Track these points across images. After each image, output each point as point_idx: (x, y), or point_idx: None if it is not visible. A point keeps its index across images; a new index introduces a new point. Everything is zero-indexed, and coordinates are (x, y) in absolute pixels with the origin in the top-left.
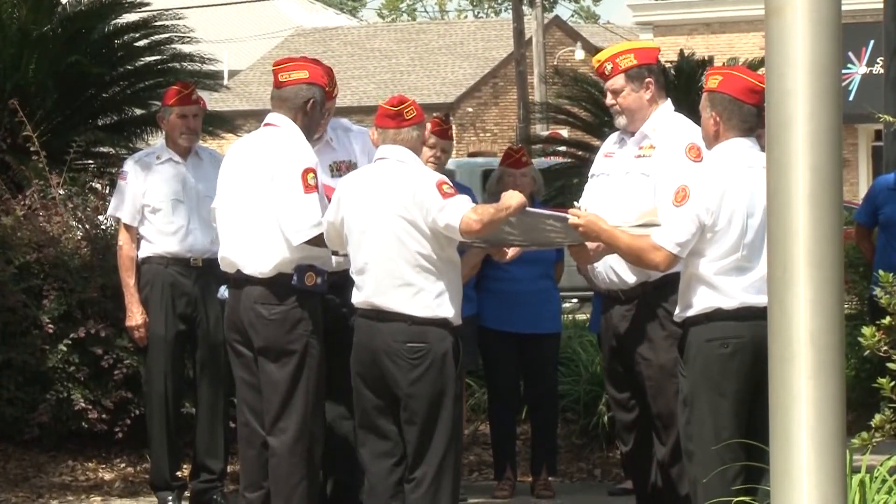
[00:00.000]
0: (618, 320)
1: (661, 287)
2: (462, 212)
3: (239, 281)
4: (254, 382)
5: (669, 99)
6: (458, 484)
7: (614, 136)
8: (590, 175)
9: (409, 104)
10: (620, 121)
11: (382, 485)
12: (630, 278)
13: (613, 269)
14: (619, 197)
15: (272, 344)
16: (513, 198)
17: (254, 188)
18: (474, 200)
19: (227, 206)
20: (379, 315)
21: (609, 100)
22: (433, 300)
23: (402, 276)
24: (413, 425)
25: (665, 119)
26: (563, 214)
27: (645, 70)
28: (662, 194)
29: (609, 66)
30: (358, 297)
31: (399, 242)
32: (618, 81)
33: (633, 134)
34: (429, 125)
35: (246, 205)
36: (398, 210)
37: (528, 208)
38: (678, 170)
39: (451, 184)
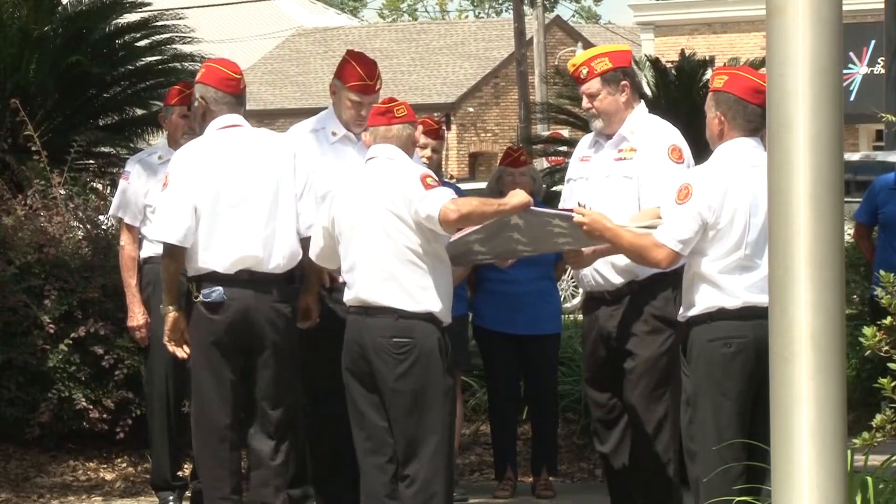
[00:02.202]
0: (604, 320)
1: (648, 286)
2: (441, 202)
3: (257, 278)
4: (237, 382)
5: (643, 101)
6: (451, 480)
7: (588, 140)
8: (566, 179)
9: (400, 103)
10: (597, 124)
11: (376, 482)
12: (616, 279)
13: (598, 271)
14: (601, 200)
15: (284, 342)
16: (515, 196)
17: (272, 186)
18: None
19: (244, 201)
20: (367, 310)
21: (585, 103)
22: (420, 293)
23: (389, 269)
24: (400, 422)
25: (642, 121)
26: (568, 213)
27: (620, 73)
28: (648, 196)
29: (584, 71)
30: (348, 295)
31: (386, 236)
32: (594, 85)
33: (609, 137)
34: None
35: (268, 201)
36: (385, 204)
37: (533, 208)
38: (661, 171)
39: (436, 178)
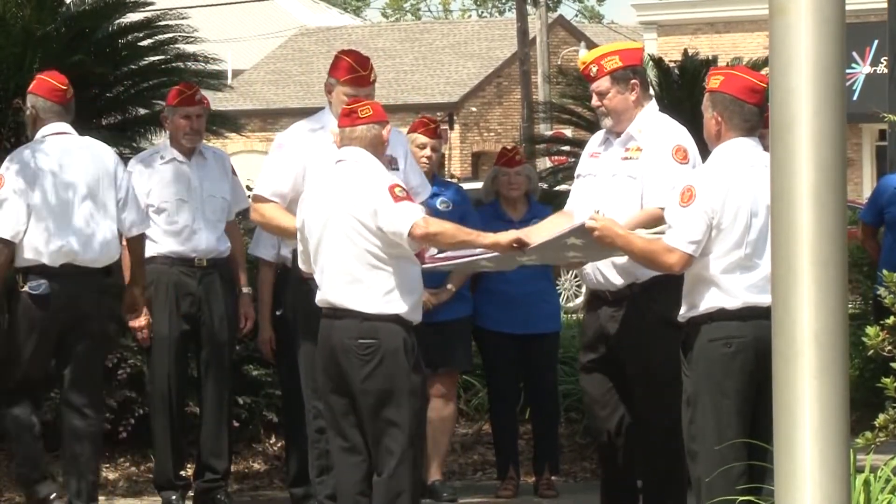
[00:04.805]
0: (605, 320)
1: (650, 288)
2: (410, 220)
3: (79, 271)
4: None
5: (654, 100)
6: (417, 479)
7: (599, 136)
8: (576, 175)
9: (366, 104)
10: (606, 122)
11: (350, 481)
12: (617, 279)
13: (600, 270)
14: (606, 199)
15: (103, 330)
16: (504, 236)
17: (94, 187)
18: (460, 195)
19: (69, 201)
20: (335, 313)
21: (595, 101)
22: (385, 296)
23: (353, 273)
24: (369, 421)
25: (650, 120)
26: (578, 225)
27: (630, 71)
28: (650, 196)
29: (594, 69)
30: (319, 297)
31: (350, 241)
32: (603, 83)
33: (618, 135)
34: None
35: (90, 201)
36: (349, 209)
37: (543, 240)
38: (665, 172)
39: (405, 187)
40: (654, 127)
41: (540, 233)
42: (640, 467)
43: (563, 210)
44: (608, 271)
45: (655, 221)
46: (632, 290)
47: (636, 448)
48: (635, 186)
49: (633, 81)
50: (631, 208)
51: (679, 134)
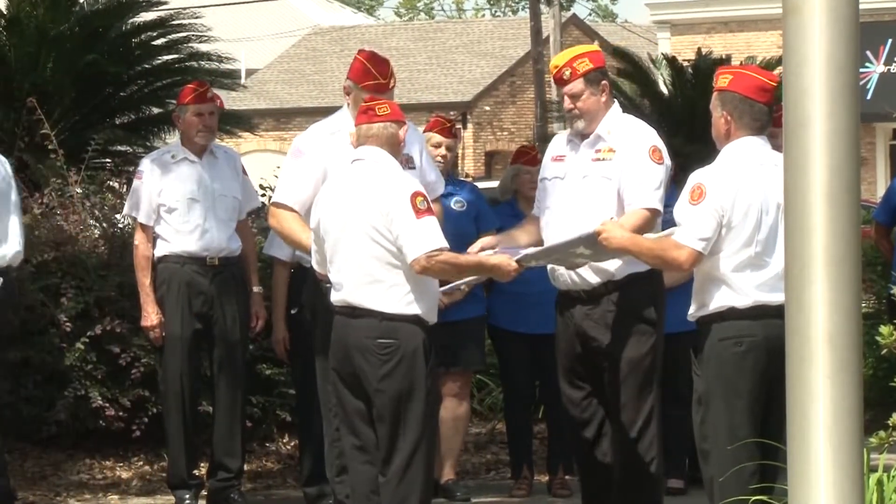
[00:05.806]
0: (580, 319)
1: (625, 285)
2: (419, 251)
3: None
4: None
5: (616, 101)
6: (429, 480)
7: (562, 139)
8: (539, 179)
9: (384, 102)
10: (579, 125)
11: (361, 480)
12: (593, 278)
13: (575, 270)
14: (579, 200)
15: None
16: (500, 267)
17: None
18: (474, 194)
19: None
20: (352, 312)
21: (567, 104)
22: (404, 296)
23: (373, 273)
24: (383, 421)
25: (618, 121)
26: (585, 235)
27: (600, 73)
28: (631, 197)
29: (567, 72)
30: (335, 297)
31: (369, 240)
32: (577, 86)
33: (584, 137)
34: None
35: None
36: (369, 210)
37: (553, 244)
38: (643, 172)
39: (427, 196)
40: (623, 128)
41: (520, 240)
42: (615, 461)
43: (531, 214)
44: (583, 270)
45: (644, 222)
46: (607, 289)
47: (612, 443)
48: (610, 187)
49: (603, 83)
50: (605, 209)
51: (651, 134)
